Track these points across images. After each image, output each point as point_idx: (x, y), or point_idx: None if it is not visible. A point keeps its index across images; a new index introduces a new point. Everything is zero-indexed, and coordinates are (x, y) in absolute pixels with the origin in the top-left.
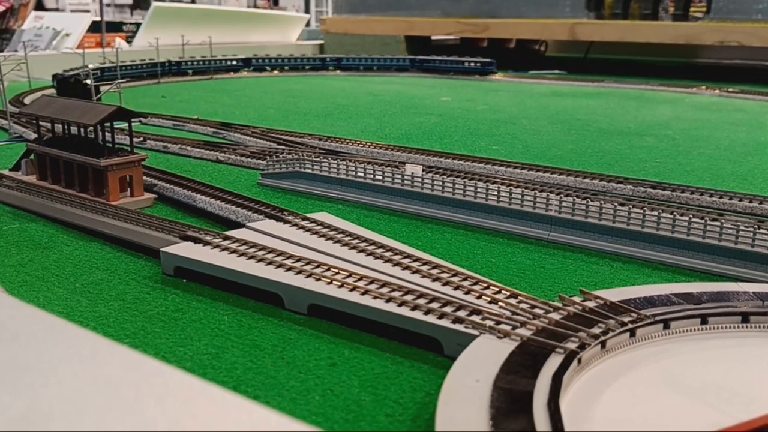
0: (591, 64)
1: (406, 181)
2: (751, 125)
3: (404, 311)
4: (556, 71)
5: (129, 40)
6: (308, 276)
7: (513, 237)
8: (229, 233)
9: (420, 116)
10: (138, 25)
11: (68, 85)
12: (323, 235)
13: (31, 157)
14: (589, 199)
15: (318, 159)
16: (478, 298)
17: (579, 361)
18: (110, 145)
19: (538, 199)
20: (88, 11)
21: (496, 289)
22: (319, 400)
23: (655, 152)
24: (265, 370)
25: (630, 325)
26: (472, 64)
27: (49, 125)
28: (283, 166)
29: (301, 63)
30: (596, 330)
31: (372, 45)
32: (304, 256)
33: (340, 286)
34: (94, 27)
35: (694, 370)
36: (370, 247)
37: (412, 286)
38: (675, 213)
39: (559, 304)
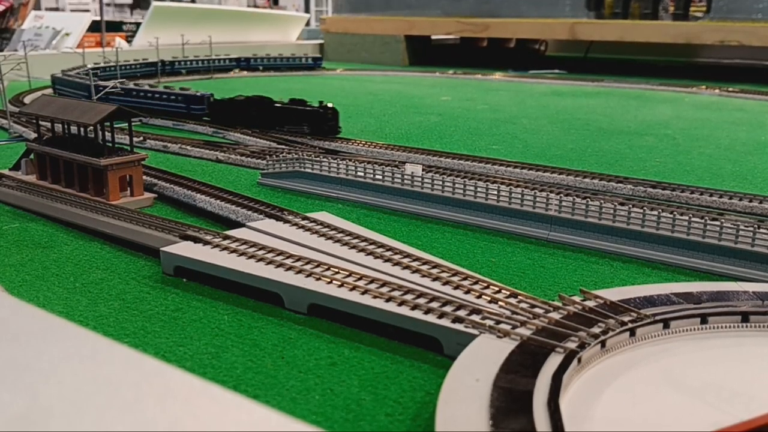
0: (591, 64)
1: (406, 181)
2: (751, 124)
3: (404, 311)
4: (556, 71)
5: (129, 39)
6: (308, 275)
7: (513, 236)
8: (229, 233)
9: (420, 116)
10: (138, 24)
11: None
12: (323, 235)
13: (31, 156)
14: (589, 199)
15: (318, 158)
16: (478, 297)
17: (579, 360)
18: (110, 144)
19: (538, 199)
20: (87, 11)
21: (496, 289)
22: (319, 400)
23: (655, 152)
24: (265, 369)
25: (630, 325)
26: (302, 60)
27: (49, 125)
28: (283, 165)
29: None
30: (596, 329)
31: (372, 44)
32: (304, 255)
33: (340, 286)
34: (94, 26)
35: (694, 369)
36: (370, 247)
37: (412, 285)
38: (675, 212)
39: (559, 304)
